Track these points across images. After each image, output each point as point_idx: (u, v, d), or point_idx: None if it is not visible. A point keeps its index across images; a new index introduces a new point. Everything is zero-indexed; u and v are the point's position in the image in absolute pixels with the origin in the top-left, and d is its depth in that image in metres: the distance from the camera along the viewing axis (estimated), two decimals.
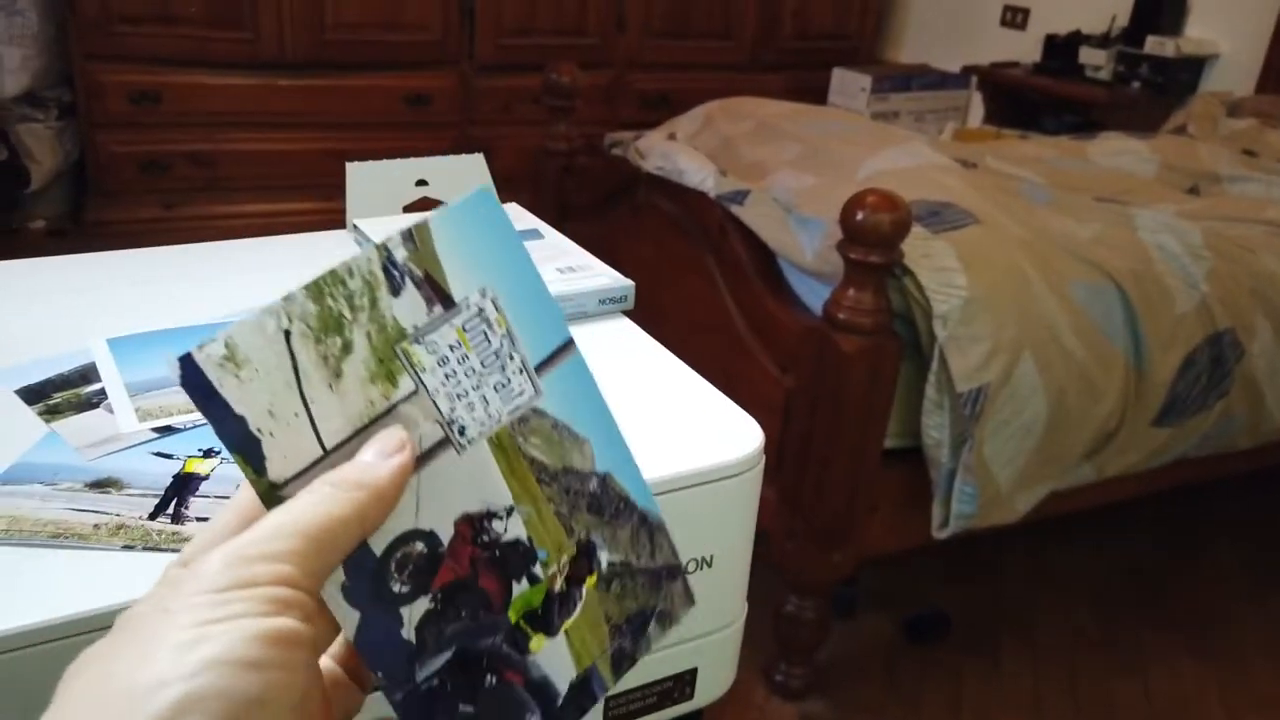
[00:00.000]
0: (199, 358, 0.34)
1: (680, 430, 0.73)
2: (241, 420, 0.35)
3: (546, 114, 2.40)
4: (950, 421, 1.60)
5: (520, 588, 0.41)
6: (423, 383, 0.38)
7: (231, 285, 0.94)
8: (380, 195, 1.03)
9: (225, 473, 0.66)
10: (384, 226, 0.97)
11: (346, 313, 0.37)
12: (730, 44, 4.15)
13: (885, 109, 3.94)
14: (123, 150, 3.27)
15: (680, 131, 2.43)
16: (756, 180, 2.07)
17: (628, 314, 0.90)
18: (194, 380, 0.34)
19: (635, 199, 2.20)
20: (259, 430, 0.35)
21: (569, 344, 0.42)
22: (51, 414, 0.73)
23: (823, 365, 1.60)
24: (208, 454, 0.68)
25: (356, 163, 1.01)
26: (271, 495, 0.35)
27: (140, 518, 0.62)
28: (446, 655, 0.39)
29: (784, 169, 2.10)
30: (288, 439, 0.36)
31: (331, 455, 0.37)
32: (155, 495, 0.64)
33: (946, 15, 4.37)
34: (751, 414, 0.75)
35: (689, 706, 0.77)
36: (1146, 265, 1.79)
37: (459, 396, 0.39)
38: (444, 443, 0.39)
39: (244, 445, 0.35)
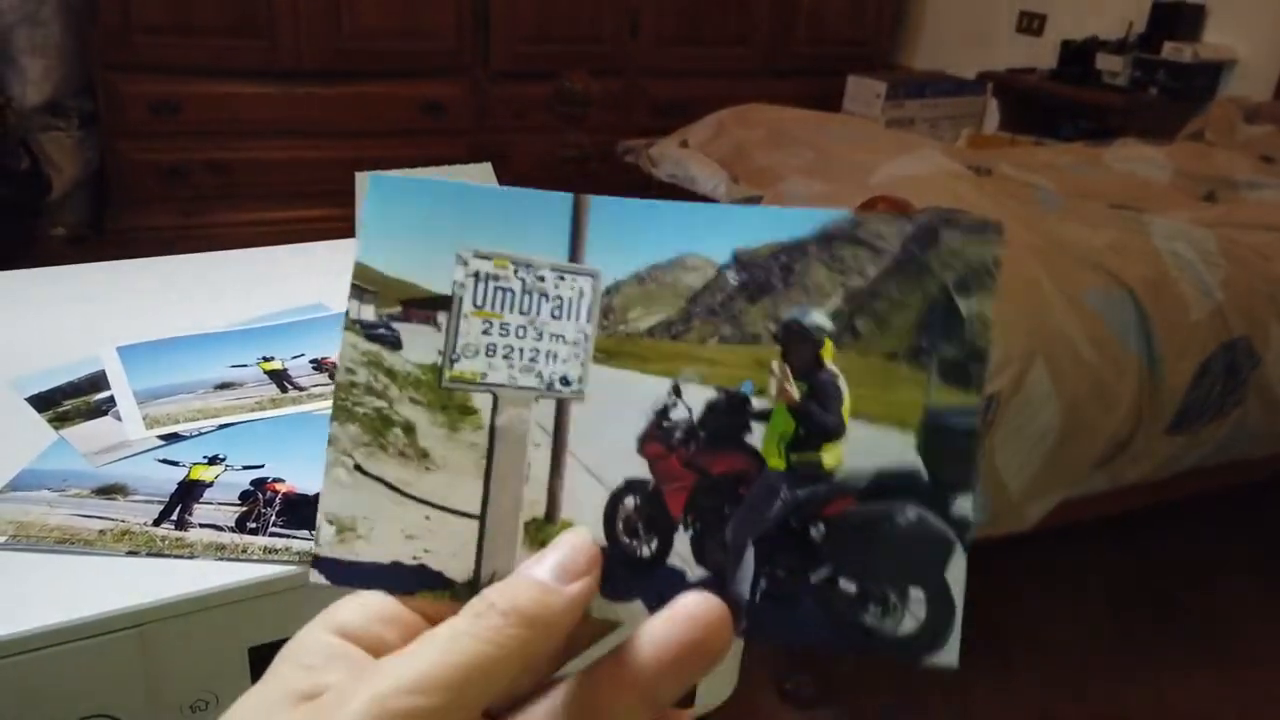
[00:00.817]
0: (321, 552, 0.34)
1: None
2: (395, 566, 0.34)
3: (560, 121, 2.41)
4: None
5: (757, 435, 0.35)
6: (490, 388, 0.35)
7: (240, 294, 0.95)
8: None
9: (229, 479, 0.67)
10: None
11: (378, 402, 0.35)
12: (744, 50, 4.15)
13: (900, 115, 3.93)
14: (143, 159, 3.30)
15: (692, 139, 2.44)
16: (768, 186, 2.07)
17: None
18: (335, 572, 0.34)
19: None
20: (414, 558, 0.34)
21: (578, 200, 0.36)
22: (61, 421, 0.74)
23: None
24: (212, 461, 0.69)
25: (366, 172, 1.02)
26: (471, 596, 0.34)
27: (145, 524, 0.63)
28: (749, 552, 0.34)
29: (796, 175, 2.10)
30: (442, 542, 0.34)
31: (489, 517, 0.35)
32: (160, 501, 0.65)
33: (962, 21, 4.36)
34: None
35: (689, 714, 0.77)
36: (1161, 272, 1.78)
37: (534, 360, 0.35)
38: (562, 406, 0.35)
39: (416, 581, 0.34)
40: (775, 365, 0.34)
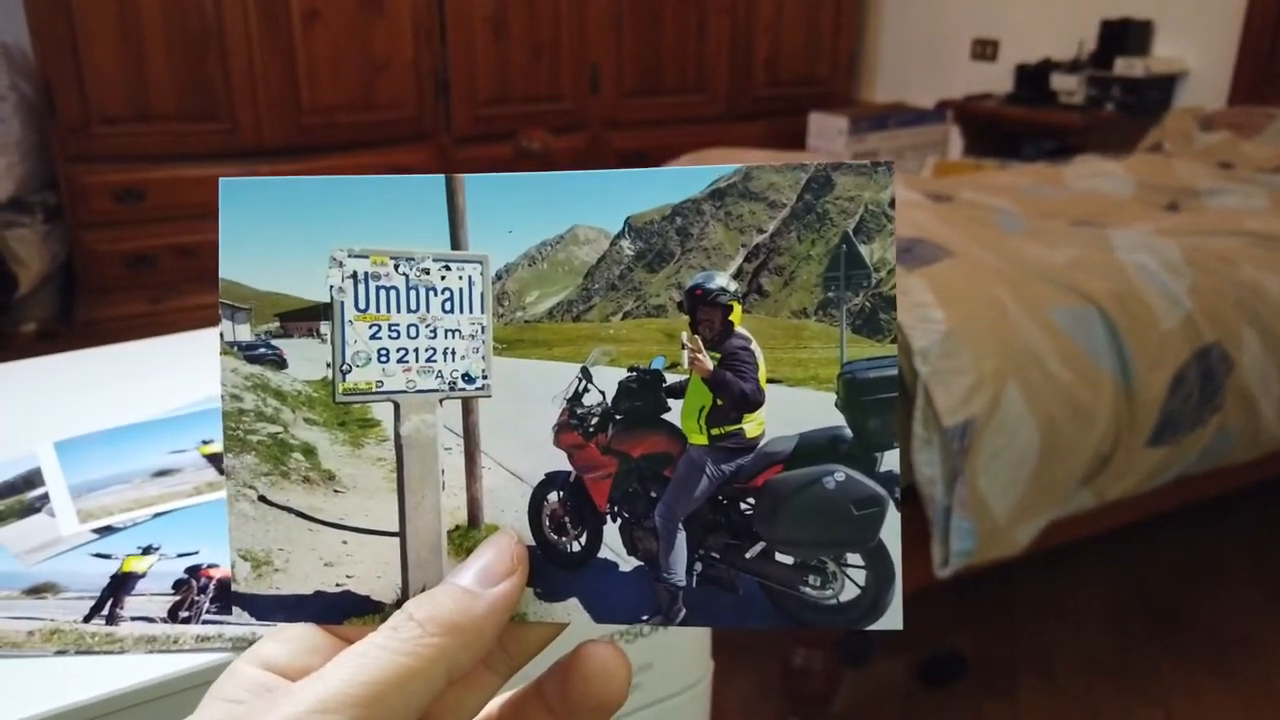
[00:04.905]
0: (240, 589, 0.32)
1: None
2: (318, 595, 0.32)
3: None
4: (941, 457, 1.57)
5: (675, 412, 0.33)
6: (389, 396, 0.33)
7: (187, 376, 0.93)
8: None
9: (162, 569, 0.65)
10: None
11: (271, 428, 0.33)
12: (705, 97, 4.19)
13: (864, 149, 3.96)
14: (109, 248, 3.30)
15: None
16: None
17: None
18: (257, 608, 0.32)
19: None
20: (337, 585, 0.32)
21: (451, 181, 0.33)
22: None
23: None
24: (146, 551, 0.67)
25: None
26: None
27: (75, 621, 0.61)
28: (680, 535, 0.33)
29: None
30: (364, 566, 0.32)
31: (409, 532, 0.32)
32: (91, 597, 0.63)
33: (917, 52, 4.41)
34: None
35: None
36: (1127, 285, 1.77)
37: (431, 359, 0.33)
38: (469, 405, 0.33)
39: (343, 609, 0.32)
40: (685, 337, 0.32)
